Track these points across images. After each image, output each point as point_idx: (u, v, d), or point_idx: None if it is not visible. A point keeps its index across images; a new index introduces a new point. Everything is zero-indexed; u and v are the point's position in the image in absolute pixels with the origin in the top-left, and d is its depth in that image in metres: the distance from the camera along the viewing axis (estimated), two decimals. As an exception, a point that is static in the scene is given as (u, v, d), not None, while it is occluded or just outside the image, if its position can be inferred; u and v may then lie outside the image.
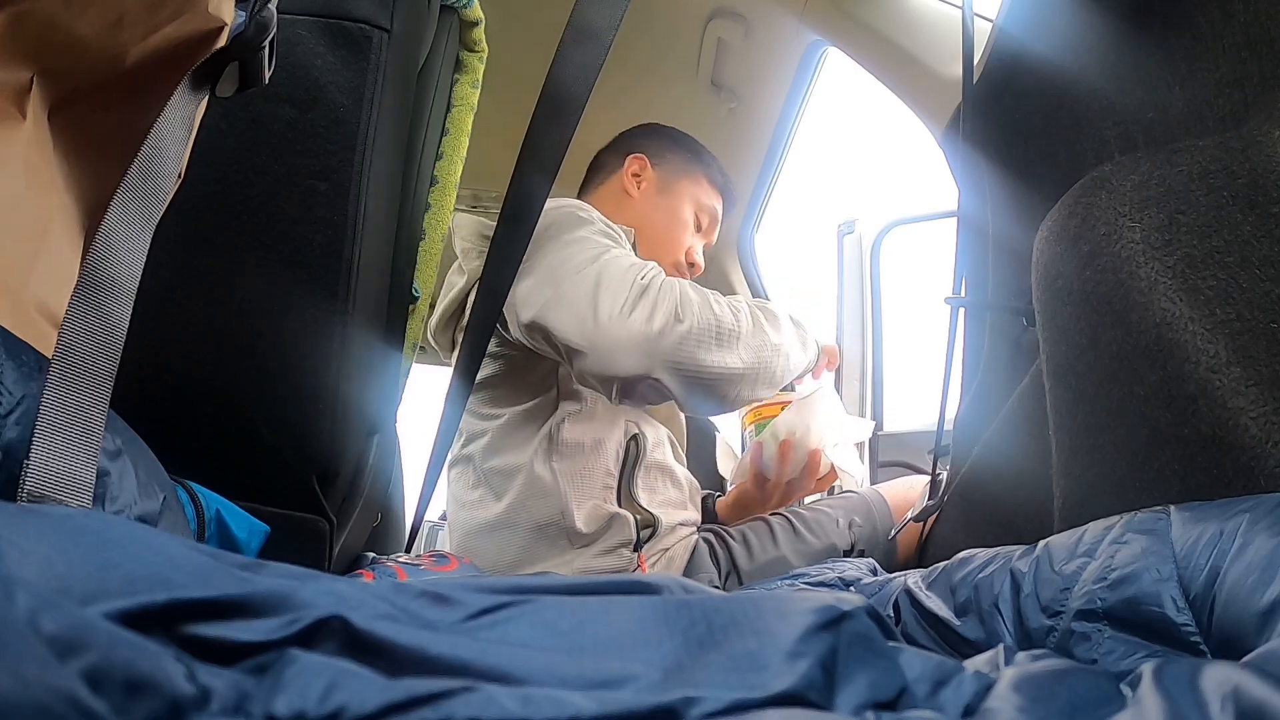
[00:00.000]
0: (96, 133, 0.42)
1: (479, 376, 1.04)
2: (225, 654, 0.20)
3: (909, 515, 0.99)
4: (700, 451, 1.74)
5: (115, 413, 0.39)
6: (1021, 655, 0.30)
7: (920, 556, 1.03)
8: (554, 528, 0.99)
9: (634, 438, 1.06)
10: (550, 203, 0.99)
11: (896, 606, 0.57)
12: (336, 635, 0.22)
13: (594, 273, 0.88)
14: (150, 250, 0.40)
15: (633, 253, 1.00)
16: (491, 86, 0.97)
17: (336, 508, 0.71)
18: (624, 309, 0.85)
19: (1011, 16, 0.78)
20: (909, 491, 1.12)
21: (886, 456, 1.50)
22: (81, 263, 0.37)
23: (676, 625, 0.25)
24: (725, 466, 1.35)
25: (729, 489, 1.28)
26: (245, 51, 0.44)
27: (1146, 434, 0.45)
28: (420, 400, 1.31)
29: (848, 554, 1.02)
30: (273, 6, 0.44)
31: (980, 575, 0.51)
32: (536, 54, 0.95)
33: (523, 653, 0.23)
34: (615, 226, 1.00)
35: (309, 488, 0.67)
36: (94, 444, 0.36)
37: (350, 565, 0.82)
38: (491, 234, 0.90)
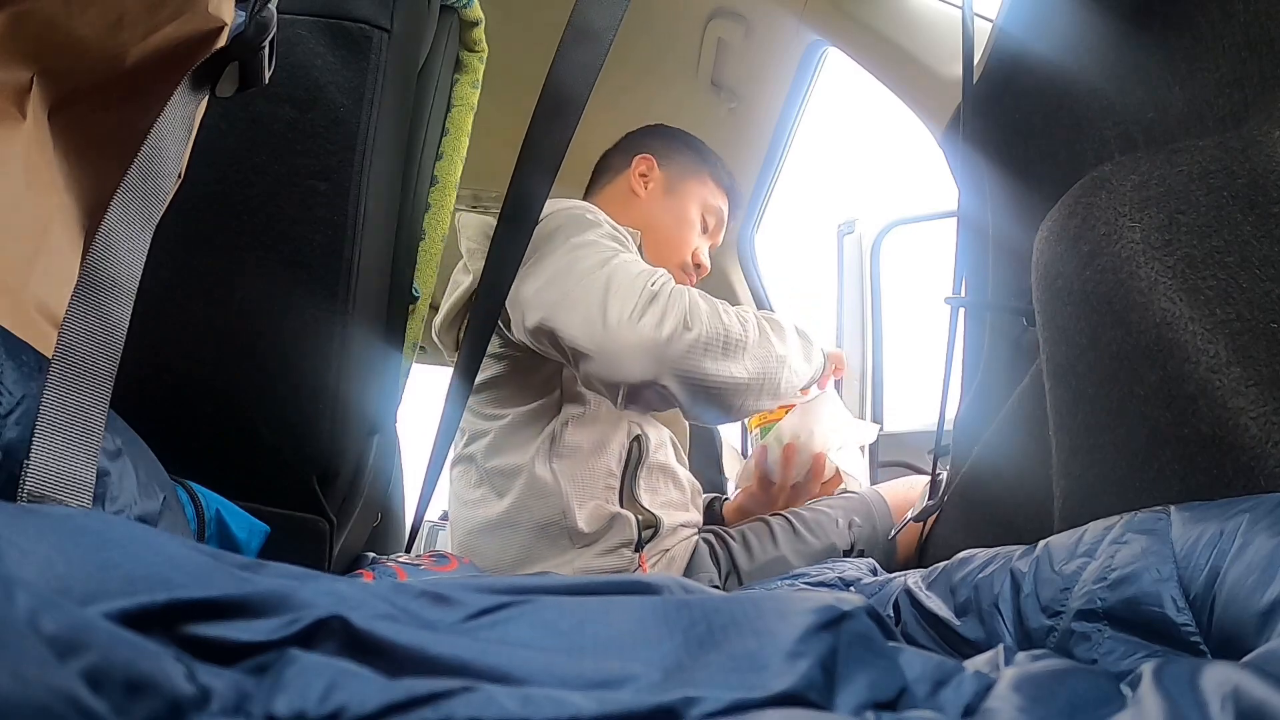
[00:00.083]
0: (96, 133, 0.42)
1: (483, 377, 1.04)
2: (225, 654, 0.20)
3: (909, 515, 0.99)
4: (702, 453, 1.74)
5: (115, 413, 0.39)
6: (1021, 655, 0.30)
7: (920, 556, 1.03)
8: (555, 527, 0.99)
9: (637, 439, 1.06)
10: (556, 203, 0.99)
11: (896, 606, 0.57)
12: (336, 635, 0.22)
13: (603, 277, 0.88)
14: (150, 250, 0.40)
15: (639, 256, 1.00)
16: (491, 86, 0.97)
17: (336, 508, 0.71)
18: (633, 314, 0.85)
19: (1011, 16, 0.78)
20: (909, 491, 1.12)
21: (886, 456, 1.50)
22: (81, 263, 0.37)
23: (676, 625, 0.25)
24: (732, 470, 1.35)
25: (734, 492, 1.28)
26: (245, 51, 0.44)
27: (1146, 434, 0.45)
28: (420, 400, 1.31)
29: (848, 554, 1.02)
30: (273, 6, 0.44)
31: (980, 575, 0.51)
32: (536, 54, 0.95)
33: (523, 653, 0.23)
34: (622, 229, 1.00)
35: (309, 488, 0.67)
36: (94, 444, 0.36)
37: (350, 565, 0.82)
38: None
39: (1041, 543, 0.48)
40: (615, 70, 1.08)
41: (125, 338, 0.37)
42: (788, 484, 1.13)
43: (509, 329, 1.00)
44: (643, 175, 1.19)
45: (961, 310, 0.91)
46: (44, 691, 0.14)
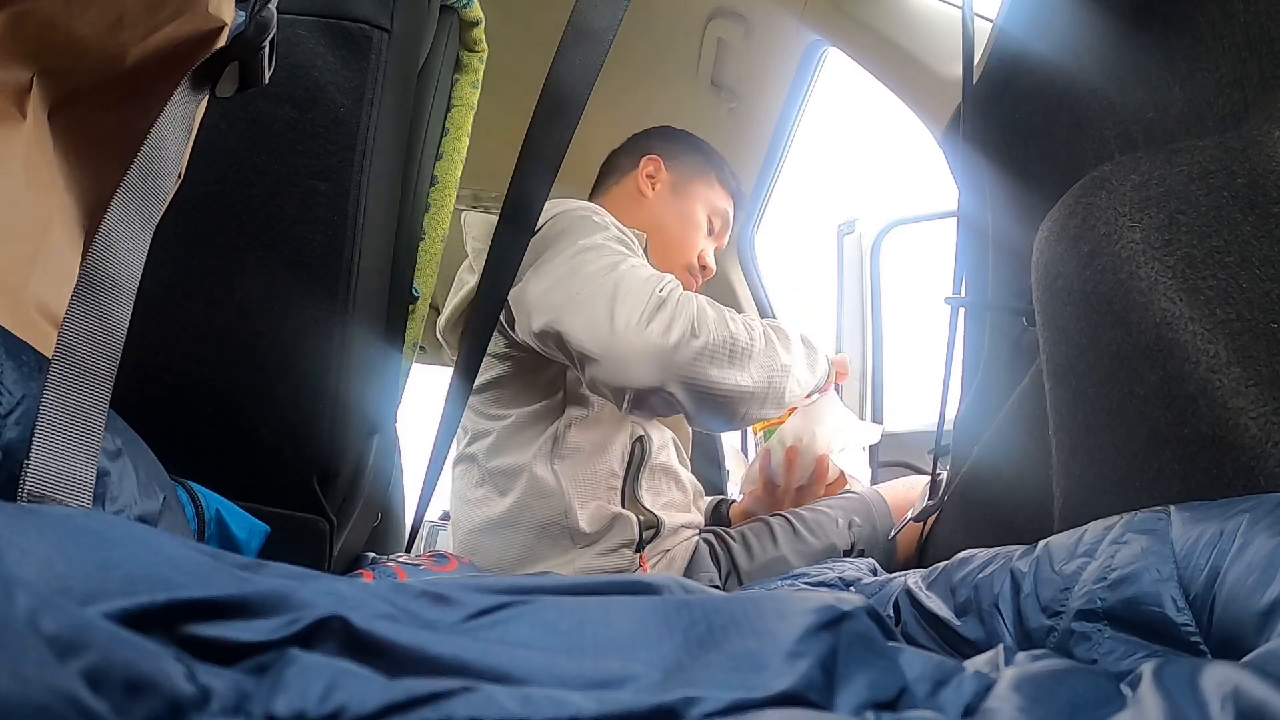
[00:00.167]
0: (96, 133, 0.42)
1: (486, 377, 1.05)
2: (225, 654, 0.20)
3: (909, 515, 0.99)
4: (703, 453, 1.74)
5: (115, 413, 0.39)
6: (1021, 655, 0.30)
7: (920, 556, 1.03)
8: (557, 527, 0.99)
9: (639, 439, 1.06)
10: (562, 204, 0.99)
11: (896, 606, 0.57)
12: (336, 635, 0.22)
13: (611, 281, 0.88)
14: (150, 250, 0.40)
15: (646, 258, 1.00)
16: (491, 86, 0.97)
17: (336, 508, 0.71)
18: (641, 320, 0.85)
19: (1011, 16, 0.78)
20: (909, 491, 1.12)
21: (886, 456, 1.50)
22: (81, 263, 0.37)
23: (676, 625, 0.25)
24: (734, 471, 1.35)
25: (740, 495, 1.28)
26: (245, 51, 0.44)
27: (1146, 434, 0.45)
28: (420, 400, 1.31)
29: (848, 554, 1.02)
30: (273, 6, 0.44)
31: (980, 575, 0.51)
32: (536, 54, 0.95)
33: (523, 653, 0.23)
34: (628, 231, 1.00)
35: (309, 488, 0.67)
36: (94, 444, 0.36)
37: (350, 565, 0.83)
38: None
39: (1041, 543, 0.48)
40: (615, 70, 1.08)
41: (125, 338, 0.37)
42: (792, 486, 1.13)
43: (513, 330, 1.00)
44: (650, 176, 1.19)
45: (961, 310, 0.91)
46: (44, 691, 0.14)
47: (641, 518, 1.01)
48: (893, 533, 1.05)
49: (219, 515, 0.55)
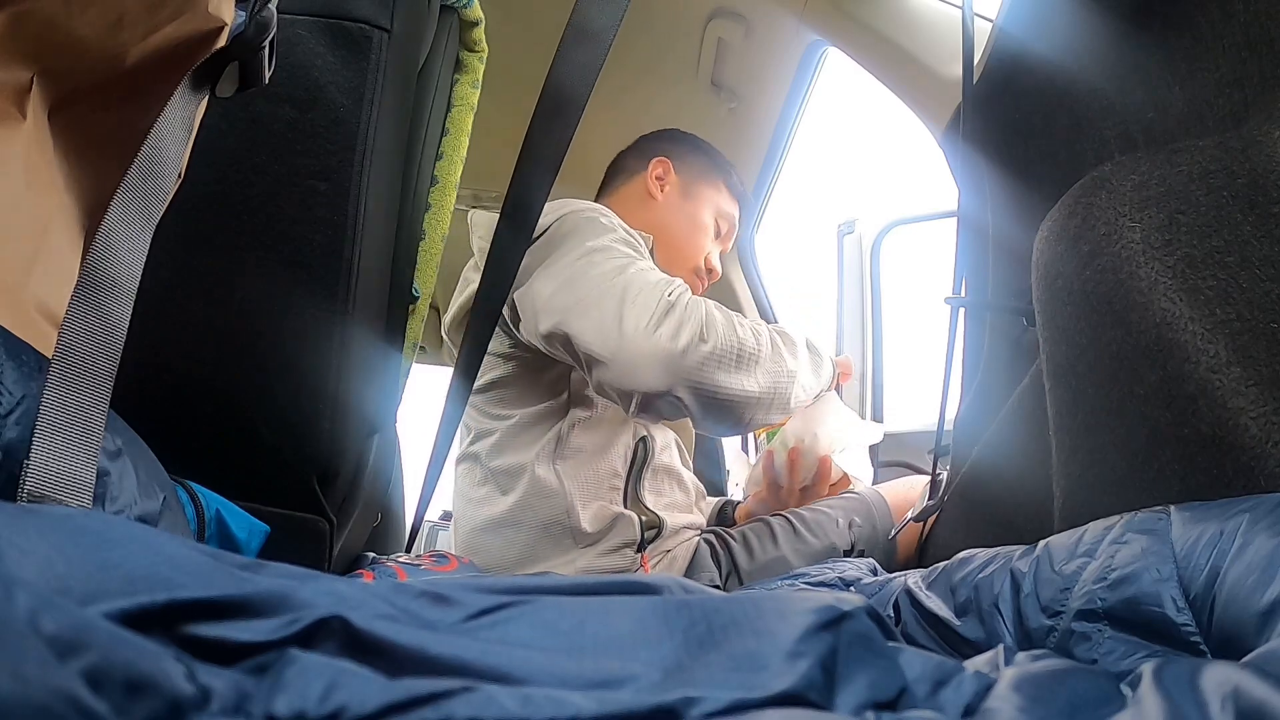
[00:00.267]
0: (96, 133, 0.42)
1: (490, 376, 1.05)
2: (225, 654, 0.20)
3: (909, 515, 0.99)
4: (703, 454, 1.74)
5: (115, 413, 0.39)
6: (1021, 655, 0.30)
7: (920, 556, 1.03)
8: (559, 527, 0.99)
9: (642, 440, 1.06)
10: (569, 204, 1.00)
11: (896, 606, 0.57)
12: (336, 635, 0.22)
13: (620, 284, 0.89)
14: (150, 250, 0.40)
15: (652, 261, 1.00)
16: (491, 86, 0.97)
17: (336, 508, 0.71)
18: (649, 324, 0.86)
19: (1011, 16, 0.78)
20: (909, 491, 1.12)
21: (887, 456, 1.50)
22: (81, 263, 0.37)
23: (676, 625, 0.25)
24: (737, 472, 1.35)
25: (744, 497, 1.29)
26: (245, 51, 0.44)
27: (1146, 434, 0.45)
28: (420, 400, 1.31)
29: (848, 554, 1.02)
30: (273, 6, 0.44)
31: (980, 575, 0.51)
32: (536, 54, 0.95)
33: (523, 653, 0.23)
34: (635, 233, 1.01)
35: (309, 488, 0.67)
36: (94, 444, 0.36)
37: (350, 565, 0.82)
38: None
39: (1041, 543, 0.48)
40: (615, 70, 1.08)
41: (125, 338, 0.37)
42: (796, 487, 1.13)
43: (519, 330, 1.00)
44: (659, 178, 1.19)
45: (961, 310, 0.91)
46: (44, 691, 0.14)
47: (643, 518, 1.01)
48: (893, 533, 1.05)
49: (219, 515, 0.55)
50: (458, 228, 1.05)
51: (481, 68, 0.91)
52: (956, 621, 0.51)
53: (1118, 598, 0.39)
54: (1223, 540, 0.35)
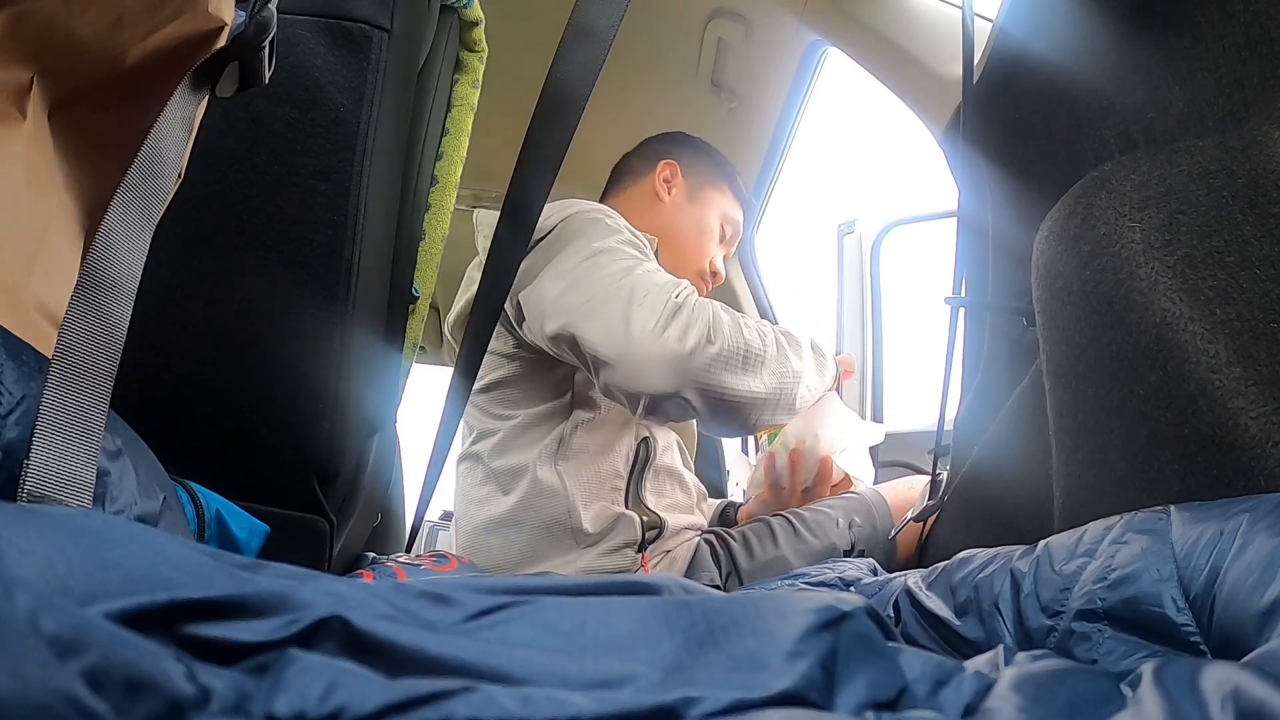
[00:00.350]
0: (96, 133, 0.42)
1: (494, 376, 1.05)
2: (225, 654, 0.20)
3: (909, 515, 0.99)
4: (704, 455, 1.74)
5: (115, 413, 0.39)
6: (1021, 655, 0.30)
7: (920, 556, 1.03)
8: (560, 527, 0.99)
9: (644, 440, 1.06)
10: (575, 205, 1.00)
11: (896, 606, 0.57)
12: (336, 635, 0.22)
13: (627, 286, 0.89)
14: (150, 250, 0.40)
15: (657, 263, 1.00)
16: (491, 86, 0.97)
17: (336, 508, 0.71)
18: (657, 325, 0.86)
19: (1011, 16, 0.78)
20: (909, 491, 1.12)
21: (887, 456, 1.50)
22: (81, 263, 0.37)
23: (676, 625, 0.25)
24: (738, 473, 1.35)
25: (745, 499, 1.29)
26: (245, 51, 0.44)
27: (1146, 434, 0.45)
28: (420, 400, 1.31)
29: (848, 554, 1.02)
30: (273, 6, 0.44)
31: (980, 575, 0.51)
32: (536, 54, 0.95)
33: (523, 653, 0.23)
34: (640, 235, 1.01)
35: (309, 488, 0.67)
36: (94, 444, 0.36)
37: (350, 565, 0.82)
38: None
39: (1041, 543, 0.48)
40: (615, 70, 1.08)
41: (125, 338, 0.37)
42: (798, 488, 1.13)
43: (521, 329, 1.00)
44: (666, 180, 1.19)
45: (961, 310, 0.91)
46: (44, 691, 0.14)
47: (645, 518, 1.01)
48: (893, 533, 1.05)
49: (219, 515, 0.55)
50: (458, 227, 1.06)
51: (481, 68, 0.91)
52: (956, 621, 0.51)
53: (1118, 598, 0.39)
54: (1223, 540, 0.35)
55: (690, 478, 1.14)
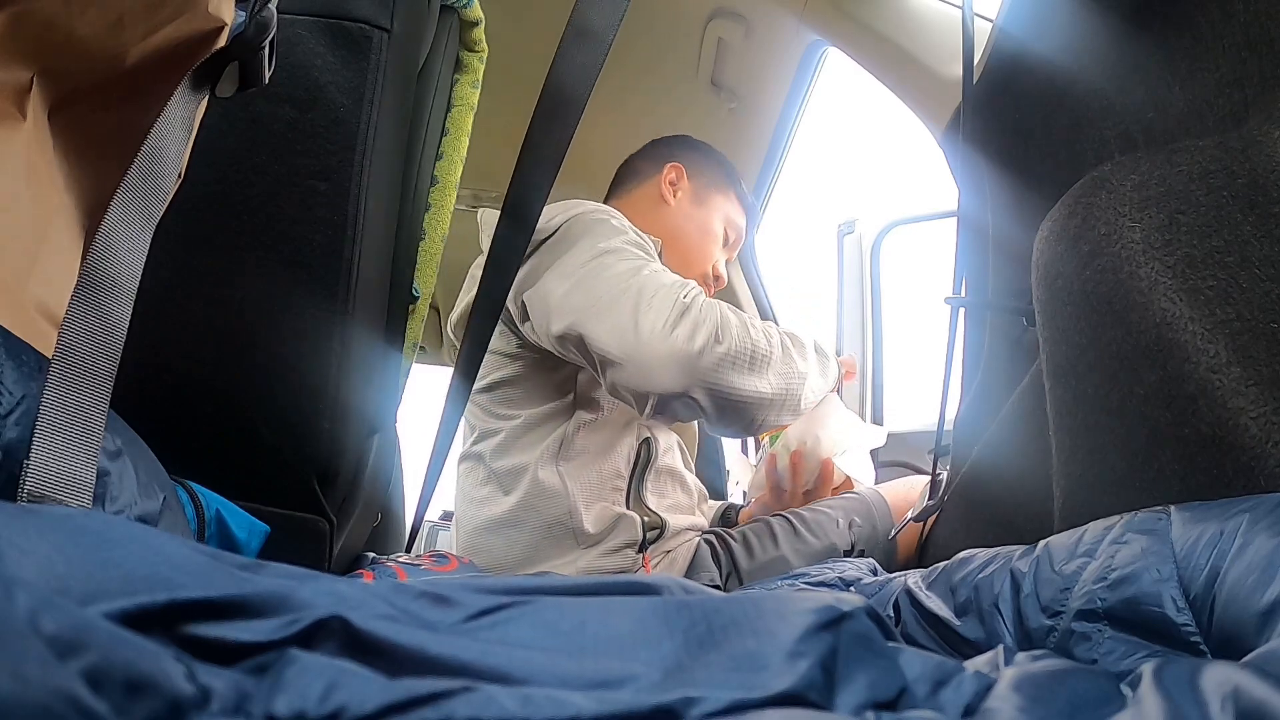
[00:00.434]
0: (96, 133, 0.42)
1: (497, 375, 1.05)
2: (225, 654, 0.20)
3: (909, 515, 0.99)
4: (704, 456, 1.74)
5: (115, 413, 0.39)
6: (1021, 655, 0.30)
7: (920, 556, 1.03)
8: (561, 527, 0.99)
9: (646, 441, 1.06)
10: (579, 205, 1.00)
11: (896, 606, 0.57)
12: (336, 635, 0.22)
13: (635, 286, 0.89)
14: (150, 250, 0.40)
15: (661, 264, 1.00)
16: (491, 86, 0.97)
17: (336, 508, 0.71)
18: (666, 326, 0.86)
19: (1011, 16, 0.78)
20: (909, 491, 1.12)
21: (887, 456, 1.50)
22: (81, 263, 0.37)
23: (677, 625, 0.25)
24: (739, 475, 1.35)
25: (745, 500, 1.29)
26: (245, 51, 0.44)
27: (1146, 434, 0.45)
28: (420, 400, 1.31)
29: (848, 554, 1.02)
30: (273, 6, 0.44)
31: (980, 575, 0.51)
32: (536, 54, 0.95)
33: (523, 653, 0.23)
34: (645, 236, 1.01)
35: (309, 488, 0.67)
36: (94, 444, 0.36)
37: (350, 565, 0.83)
38: None
39: (1041, 543, 0.48)
40: (615, 70, 1.08)
41: (125, 338, 0.37)
42: (799, 491, 1.13)
43: (525, 329, 1.00)
44: (672, 183, 1.20)
45: (961, 310, 0.91)
46: (44, 691, 0.14)
47: (646, 519, 1.01)
48: (893, 533, 1.05)
49: (219, 515, 0.55)
50: (459, 227, 1.06)
51: (481, 68, 0.91)
52: (956, 621, 0.51)
53: (1118, 598, 0.39)
54: (1223, 540, 0.35)
55: (691, 479, 1.14)
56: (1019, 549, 0.50)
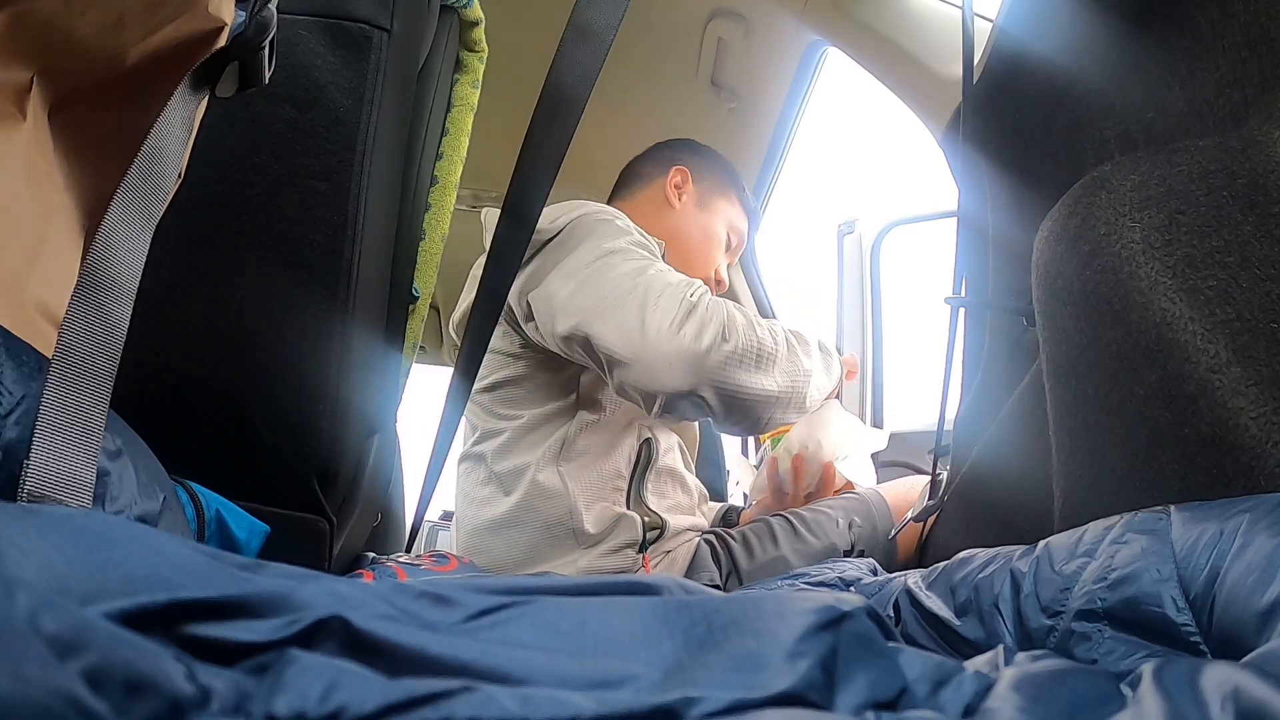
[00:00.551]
0: (96, 133, 0.42)
1: (499, 376, 1.05)
2: (225, 654, 0.20)
3: (909, 515, 0.99)
4: (704, 457, 1.74)
5: (115, 413, 0.39)
6: (1021, 655, 0.30)
7: (920, 556, 1.03)
8: (561, 527, 0.99)
9: (646, 441, 1.07)
10: (582, 206, 1.00)
11: (896, 606, 0.57)
12: (336, 635, 0.22)
13: (641, 285, 0.89)
14: (150, 250, 0.40)
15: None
16: (491, 86, 0.97)
17: (336, 508, 0.71)
18: (673, 325, 0.86)
19: (1011, 16, 0.78)
20: (909, 491, 1.12)
21: (887, 456, 1.50)
22: (81, 263, 0.37)
23: (677, 625, 0.25)
24: (740, 477, 1.35)
25: (745, 502, 1.29)
26: (245, 51, 0.44)
27: (1146, 434, 0.45)
28: (420, 400, 1.31)
29: (848, 554, 1.02)
30: (273, 6, 0.44)
31: (980, 575, 0.51)
32: (536, 54, 0.95)
33: (523, 653, 0.23)
34: (649, 237, 1.01)
35: (309, 488, 0.67)
36: (94, 444, 0.36)
37: (350, 565, 0.83)
38: None
39: (1041, 543, 0.48)
40: (615, 70, 1.08)
41: (125, 338, 0.37)
42: (800, 494, 1.13)
43: (526, 328, 1.00)
44: (677, 187, 1.20)
45: (961, 310, 0.91)
46: (44, 691, 0.14)
47: (646, 519, 1.01)
48: (893, 533, 1.05)
49: (219, 515, 0.55)
50: (459, 227, 1.06)
51: (481, 68, 0.91)
52: (956, 621, 0.51)
53: (1118, 598, 0.39)
54: (1223, 540, 0.35)
55: (691, 479, 1.14)
56: (1019, 549, 0.50)
